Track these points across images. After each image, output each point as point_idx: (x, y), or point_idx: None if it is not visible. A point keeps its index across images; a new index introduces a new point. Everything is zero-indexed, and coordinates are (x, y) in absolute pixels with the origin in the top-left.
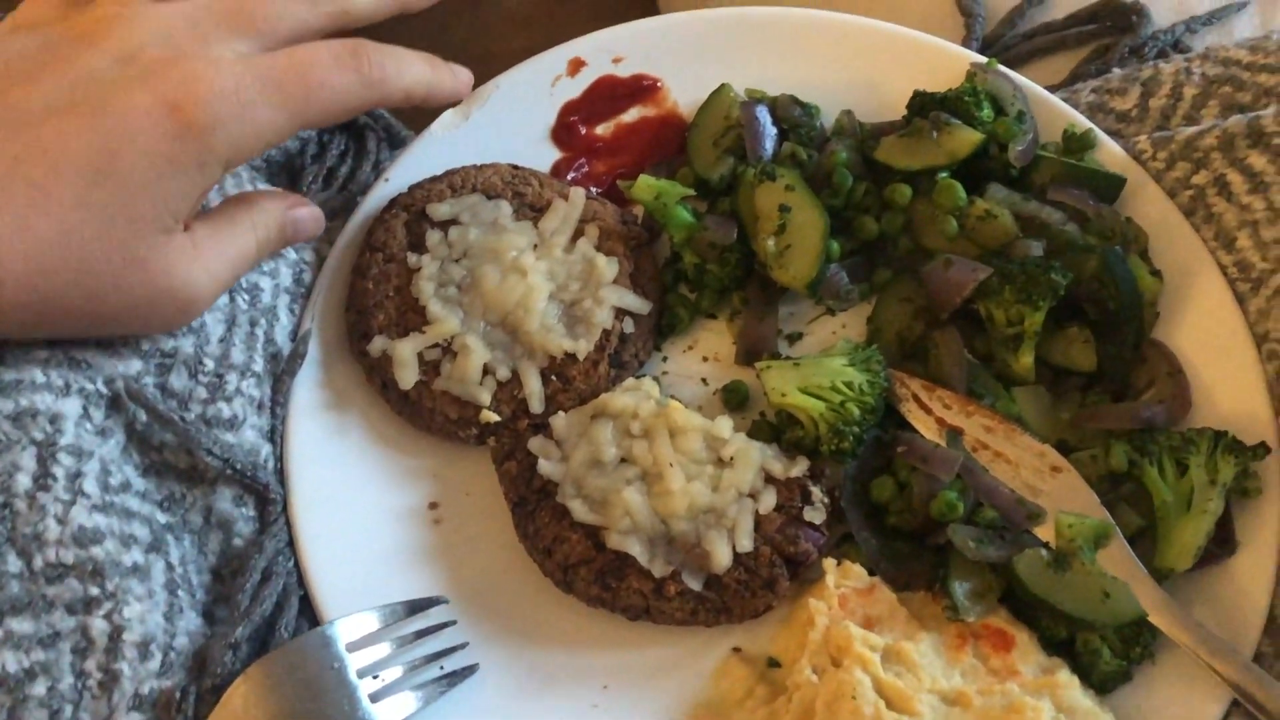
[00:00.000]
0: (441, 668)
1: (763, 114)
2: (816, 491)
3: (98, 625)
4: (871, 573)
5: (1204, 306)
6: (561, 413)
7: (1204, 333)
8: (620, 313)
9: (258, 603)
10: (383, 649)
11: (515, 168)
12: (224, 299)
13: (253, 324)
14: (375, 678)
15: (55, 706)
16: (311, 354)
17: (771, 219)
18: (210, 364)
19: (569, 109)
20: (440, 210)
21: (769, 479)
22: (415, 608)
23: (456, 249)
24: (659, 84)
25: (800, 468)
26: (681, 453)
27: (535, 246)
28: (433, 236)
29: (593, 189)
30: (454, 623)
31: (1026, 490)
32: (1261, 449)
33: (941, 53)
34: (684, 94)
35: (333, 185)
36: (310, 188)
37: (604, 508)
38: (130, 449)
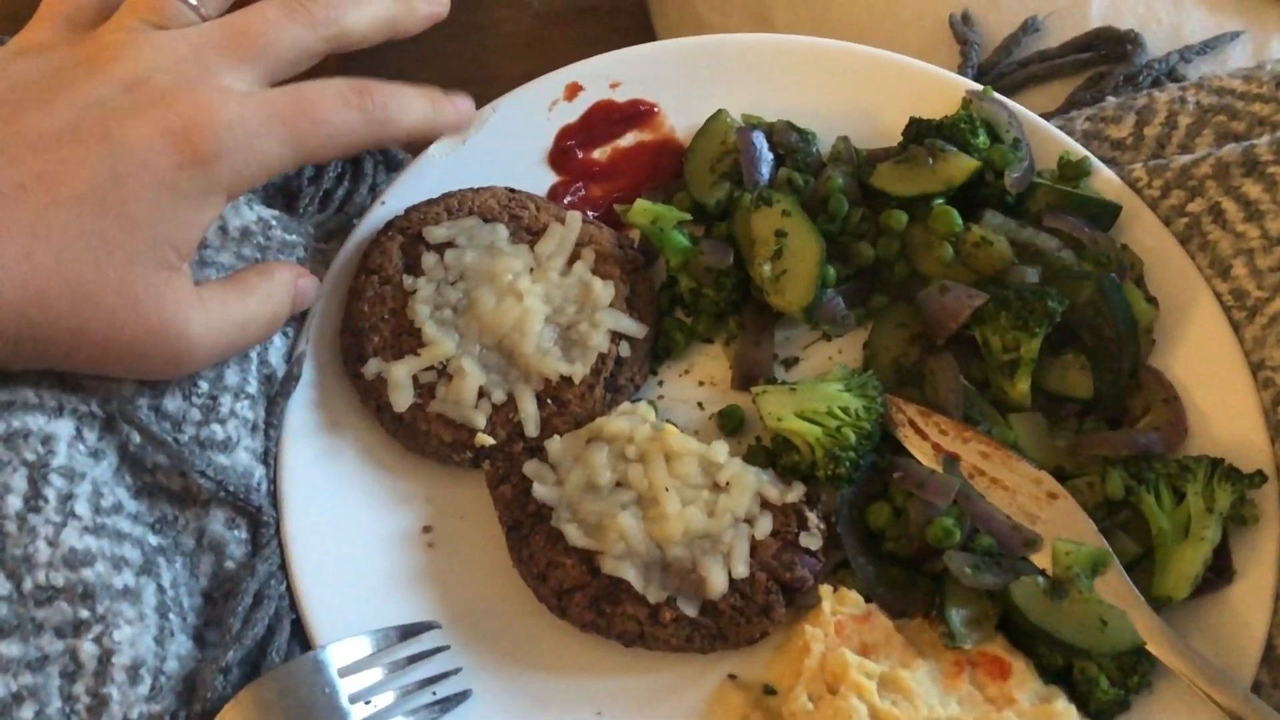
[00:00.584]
0: (434, 694)
1: (759, 139)
2: (813, 517)
3: (87, 649)
4: (868, 599)
5: (1199, 334)
6: (557, 436)
7: (1199, 360)
8: (616, 336)
9: (249, 626)
10: (375, 674)
11: (512, 191)
12: None
13: None
14: (367, 703)
15: None
16: (306, 376)
17: (768, 244)
18: (204, 385)
19: (566, 133)
20: (436, 233)
21: (765, 504)
22: (408, 632)
23: (452, 272)
24: (656, 109)
25: (796, 493)
26: (677, 477)
27: (531, 270)
28: (428, 259)
29: (589, 213)
30: (447, 648)
31: (1023, 517)
32: (1259, 477)
33: (937, 80)
34: (681, 119)
35: (329, 207)
36: (307, 210)
37: (599, 532)
38: (123, 471)
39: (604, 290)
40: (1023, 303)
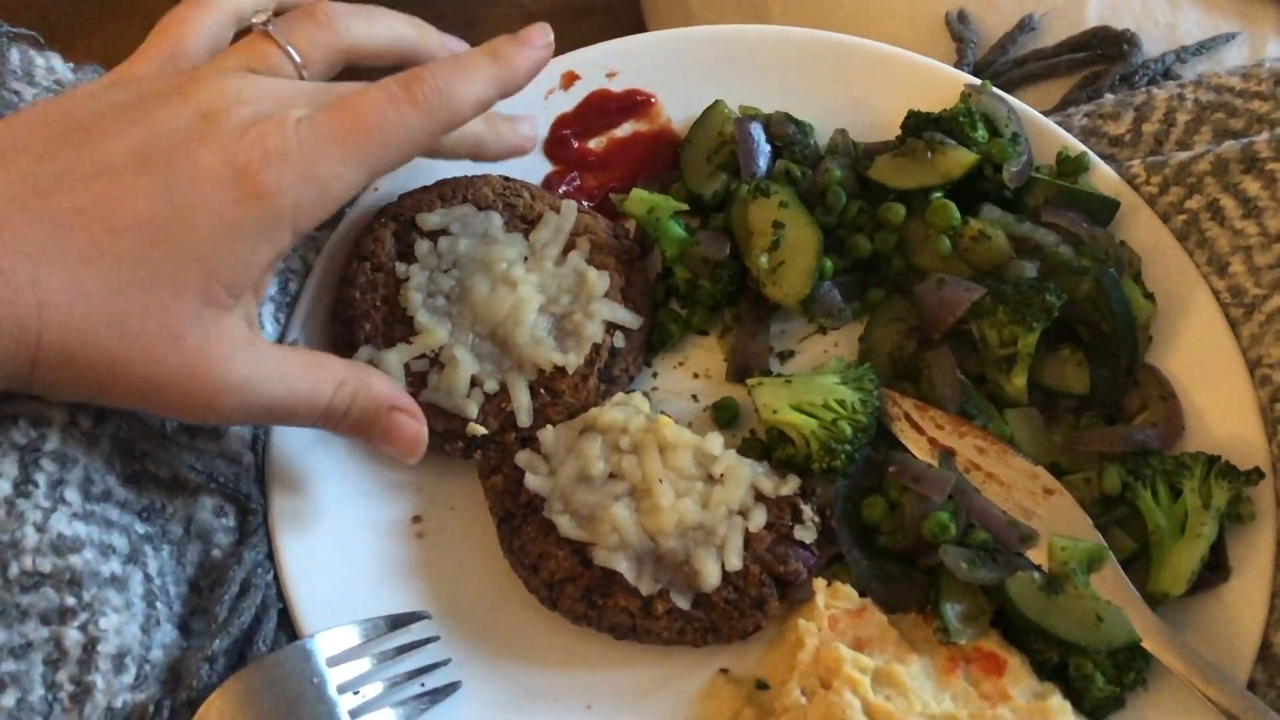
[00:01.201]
0: (423, 685)
1: (757, 131)
2: (807, 510)
3: (72, 636)
4: (862, 594)
5: (1197, 331)
6: (550, 426)
7: (1197, 357)
8: (611, 327)
9: (236, 615)
10: (363, 664)
11: (507, 179)
12: None
13: None
14: (355, 693)
15: (25, 719)
16: None
17: (765, 235)
18: None
19: (562, 122)
20: (430, 220)
21: (759, 497)
22: (397, 623)
23: (446, 259)
24: (652, 99)
25: (791, 486)
26: (671, 469)
27: (526, 259)
28: (422, 246)
29: (585, 202)
30: (436, 639)
31: (1019, 512)
32: (1255, 474)
33: (936, 74)
34: (677, 110)
35: None
36: None
37: (591, 524)
38: (114, 457)
39: (599, 280)
40: (1020, 297)
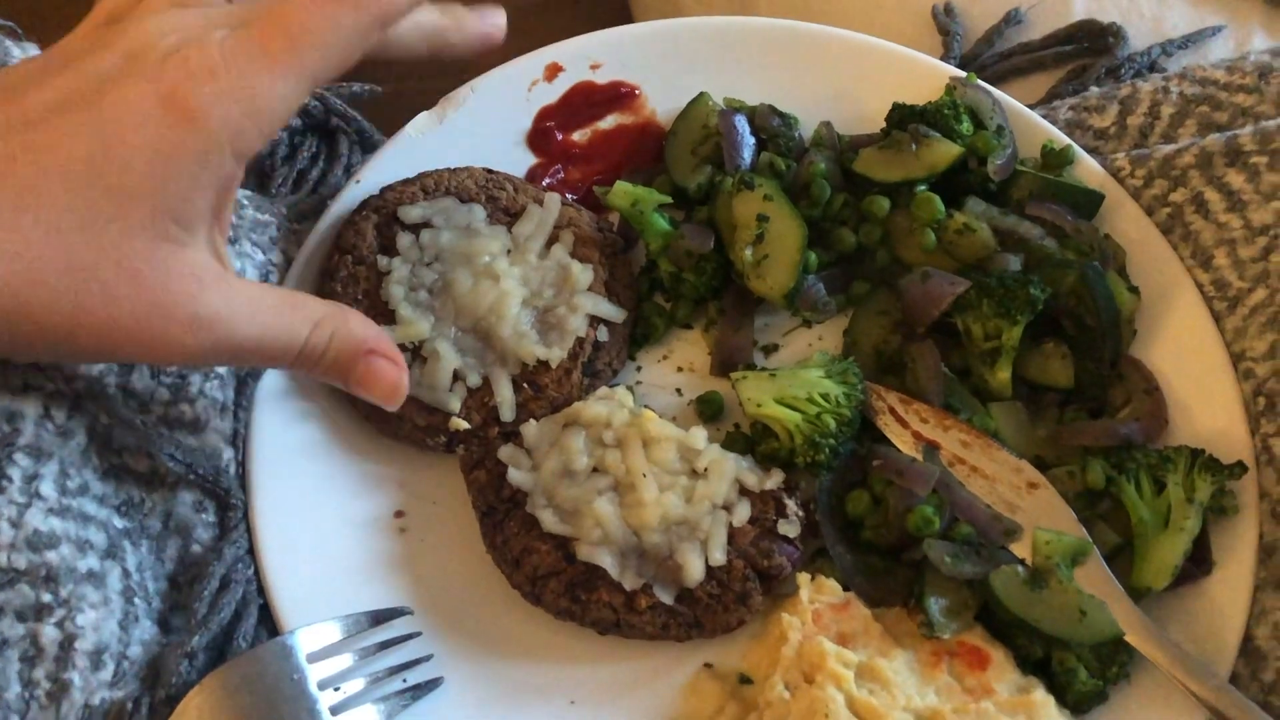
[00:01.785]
0: (405, 680)
1: (741, 123)
2: (791, 504)
3: (48, 633)
4: (846, 588)
5: (1181, 324)
6: (533, 421)
7: (1181, 351)
8: (595, 320)
9: (215, 611)
10: (344, 660)
11: (490, 172)
12: None
13: None
14: (336, 689)
15: (1, 717)
16: None
17: (749, 228)
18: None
19: (545, 114)
20: (412, 213)
21: (743, 491)
22: (379, 618)
23: (428, 253)
24: (637, 91)
25: (775, 480)
26: (655, 463)
27: (509, 252)
28: (404, 239)
29: (568, 195)
30: (419, 634)
31: (1003, 506)
32: (1238, 468)
33: (921, 66)
34: (662, 102)
35: (303, 187)
36: (279, 190)
37: (575, 518)
38: (90, 451)
39: (582, 273)
40: (1005, 290)
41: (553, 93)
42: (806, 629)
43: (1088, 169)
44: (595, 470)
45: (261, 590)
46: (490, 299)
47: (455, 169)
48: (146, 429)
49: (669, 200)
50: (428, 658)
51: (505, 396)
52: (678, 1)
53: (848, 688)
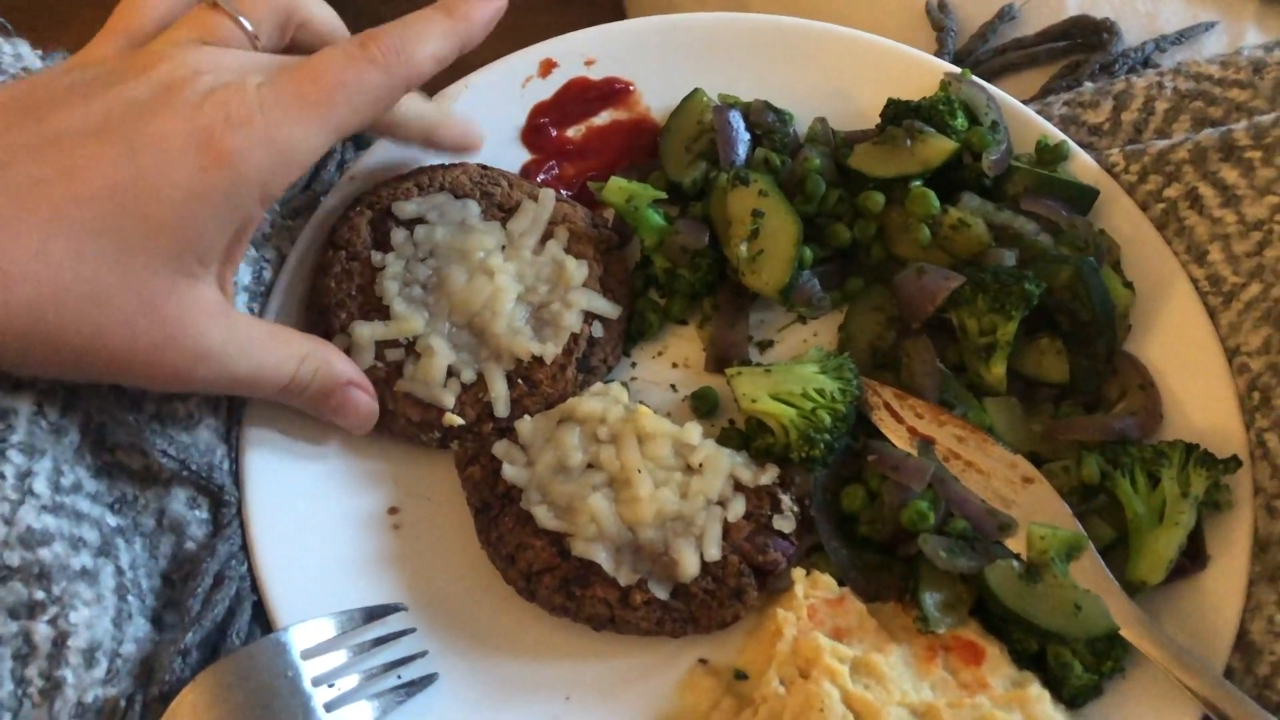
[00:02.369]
0: (399, 677)
1: (736, 119)
2: (786, 500)
3: (41, 630)
4: (841, 583)
5: (1175, 319)
6: (527, 417)
7: (1175, 346)
8: (589, 316)
9: (209, 608)
10: (338, 657)
11: (484, 168)
12: None
13: None
14: (330, 686)
15: None
16: None
17: (744, 224)
18: None
19: (539, 110)
20: (406, 209)
21: (738, 487)
22: (373, 615)
23: (422, 248)
24: (631, 87)
25: (770, 475)
26: (650, 459)
27: (503, 248)
28: (398, 235)
29: (563, 191)
30: (413, 630)
31: (998, 501)
32: (1233, 462)
33: (915, 62)
34: (656, 98)
35: (297, 184)
36: None
37: (569, 514)
38: (84, 448)
39: (577, 269)
40: (1000, 286)
41: (547, 89)
42: (802, 624)
43: (1082, 164)
44: (590, 466)
45: (255, 587)
46: (485, 295)
47: (450, 165)
48: (139, 426)
49: (664, 196)
50: (422, 654)
51: (500, 392)
52: (674, 0)
53: (843, 683)
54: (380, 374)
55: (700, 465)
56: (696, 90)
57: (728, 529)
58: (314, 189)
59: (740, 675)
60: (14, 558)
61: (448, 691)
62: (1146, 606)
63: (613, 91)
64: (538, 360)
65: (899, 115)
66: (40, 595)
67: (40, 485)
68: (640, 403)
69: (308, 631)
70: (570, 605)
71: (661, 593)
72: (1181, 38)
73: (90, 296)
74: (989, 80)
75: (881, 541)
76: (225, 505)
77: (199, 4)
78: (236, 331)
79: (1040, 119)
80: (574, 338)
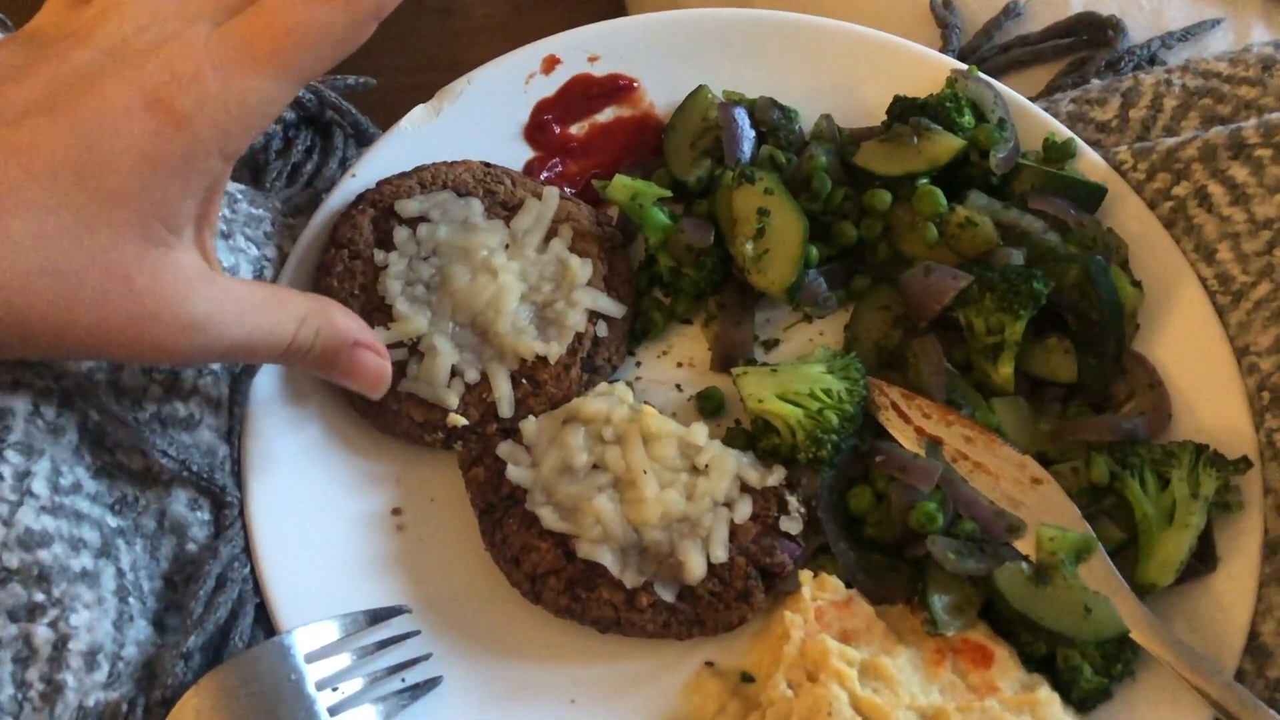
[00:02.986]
0: (404, 680)
1: (741, 116)
2: (793, 501)
3: (42, 633)
4: (849, 585)
5: (1184, 319)
6: (532, 417)
7: (1184, 345)
8: (593, 316)
9: (211, 611)
10: (342, 660)
11: (487, 165)
12: None
13: None
14: (334, 690)
15: None
16: None
17: (749, 222)
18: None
19: (543, 107)
20: (409, 207)
21: (744, 488)
22: (377, 617)
23: (425, 247)
24: (635, 84)
25: (777, 476)
26: (655, 460)
27: (507, 246)
28: (401, 234)
29: (567, 189)
30: (417, 633)
31: (1007, 502)
32: (1243, 463)
33: (922, 59)
34: (660, 95)
35: (298, 181)
36: (274, 184)
37: (574, 515)
38: (82, 448)
39: (581, 268)
40: (1008, 285)
41: (550, 85)
42: (809, 627)
43: (1090, 162)
44: (595, 467)
45: (258, 589)
46: (488, 294)
47: (452, 162)
48: (139, 426)
49: (668, 194)
50: (426, 657)
51: (504, 392)
52: None
53: (851, 685)
54: None
55: (706, 466)
56: (701, 87)
57: (734, 530)
58: (315, 186)
59: (747, 678)
60: (13, 559)
61: (452, 694)
62: (1156, 609)
63: (616, 88)
64: (542, 360)
65: (905, 112)
66: (40, 597)
67: (39, 486)
68: (645, 403)
69: (311, 634)
70: (576, 607)
71: (668, 595)
72: (1187, 35)
73: (57, 274)
74: (995, 77)
75: (889, 543)
76: (227, 506)
77: None
78: (225, 296)
79: (1047, 116)
80: (578, 337)
